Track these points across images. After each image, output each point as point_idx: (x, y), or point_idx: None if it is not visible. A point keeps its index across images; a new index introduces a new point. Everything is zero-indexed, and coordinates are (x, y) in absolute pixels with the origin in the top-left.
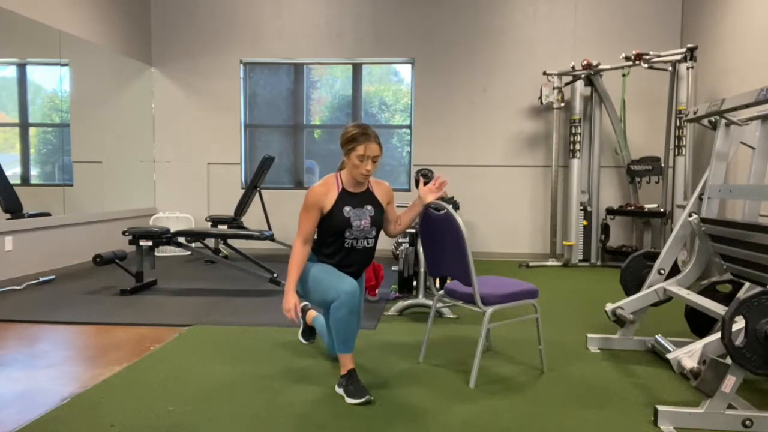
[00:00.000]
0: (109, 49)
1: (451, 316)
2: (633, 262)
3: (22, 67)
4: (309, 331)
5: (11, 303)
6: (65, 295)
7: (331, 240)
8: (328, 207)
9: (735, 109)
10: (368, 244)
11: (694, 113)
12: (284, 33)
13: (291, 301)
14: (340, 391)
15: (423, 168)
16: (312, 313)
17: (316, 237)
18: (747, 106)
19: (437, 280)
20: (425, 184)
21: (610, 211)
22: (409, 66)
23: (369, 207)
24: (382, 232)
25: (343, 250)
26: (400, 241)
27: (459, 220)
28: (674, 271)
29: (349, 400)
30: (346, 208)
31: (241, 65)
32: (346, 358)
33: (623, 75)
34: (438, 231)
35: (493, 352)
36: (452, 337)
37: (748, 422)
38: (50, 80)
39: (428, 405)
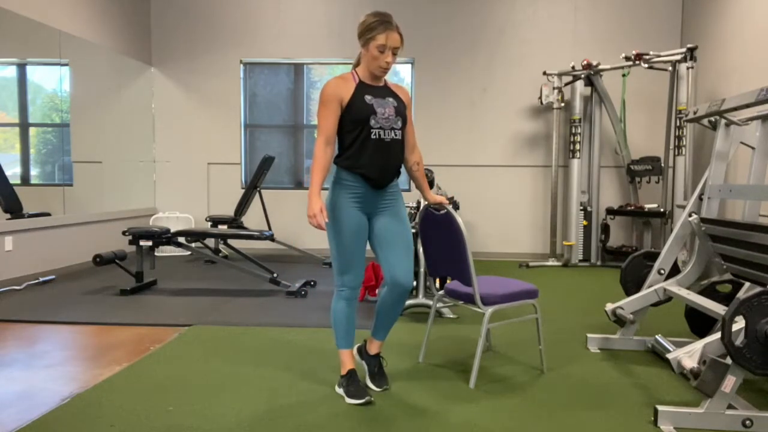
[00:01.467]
0: (109, 49)
1: (451, 316)
2: (633, 262)
3: (22, 67)
4: (376, 366)
5: (11, 303)
6: (65, 295)
7: (356, 135)
8: (347, 97)
9: (735, 109)
10: (396, 135)
11: (694, 113)
12: (284, 33)
13: (317, 205)
14: (340, 391)
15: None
16: (369, 342)
17: (339, 140)
18: (747, 106)
19: (437, 280)
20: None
21: (610, 211)
22: (409, 66)
23: (390, 99)
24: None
25: (371, 144)
26: None
27: (459, 220)
28: (674, 271)
29: (349, 401)
30: (367, 97)
31: (241, 65)
32: (346, 358)
33: (623, 75)
34: (438, 231)
35: (493, 352)
36: (452, 337)
37: (748, 422)
38: (50, 80)
39: (428, 405)
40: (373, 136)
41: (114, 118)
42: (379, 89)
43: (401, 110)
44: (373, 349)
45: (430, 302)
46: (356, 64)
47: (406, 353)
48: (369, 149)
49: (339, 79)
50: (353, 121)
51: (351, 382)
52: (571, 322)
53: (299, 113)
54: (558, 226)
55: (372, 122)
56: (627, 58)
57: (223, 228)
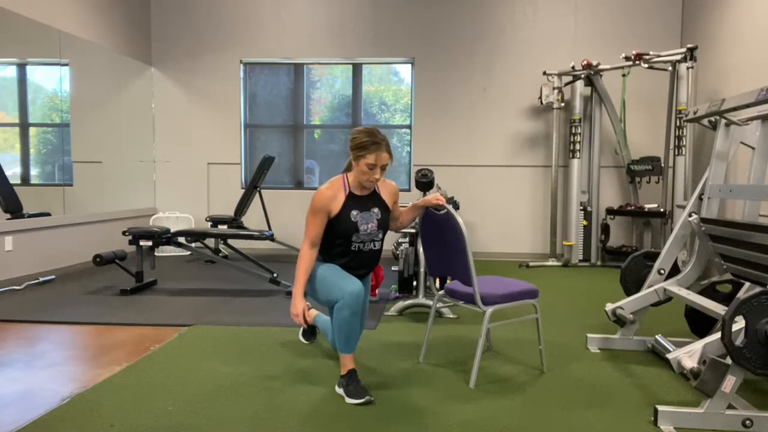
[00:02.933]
0: (109, 49)
1: (451, 316)
2: (633, 262)
3: (22, 67)
4: (310, 331)
5: (11, 303)
6: (65, 295)
7: (339, 243)
8: (336, 211)
9: (735, 109)
10: (375, 246)
11: (694, 113)
12: (284, 33)
13: (299, 305)
14: (340, 391)
15: (423, 168)
16: (312, 312)
17: (322, 240)
18: (747, 106)
19: (437, 280)
20: (426, 186)
21: (610, 211)
22: (409, 66)
23: (376, 210)
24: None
25: (351, 253)
26: (399, 241)
27: (459, 220)
28: (674, 271)
29: (349, 401)
30: (354, 212)
31: (241, 65)
32: (346, 359)
33: (623, 75)
34: (438, 231)
35: (493, 352)
36: (452, 337)
37: (748, 422)
38: (50, 80)
39: (428, 405)
40: (353, 248)
41: (114, 118)
42: (366, 199)
43: (383, 222)
44: (309, 318)
45: (430, 302)
46: (348, 168)
47: (406, 353)
48: (350, 255)
49: (330, 191)
50: (336, 233)
51: (351, 381)
52: (571, 322)
53: (299, 113)
54: (558, 226)
55: (354, 238)
56: (627, 58)
57: (223, 228)
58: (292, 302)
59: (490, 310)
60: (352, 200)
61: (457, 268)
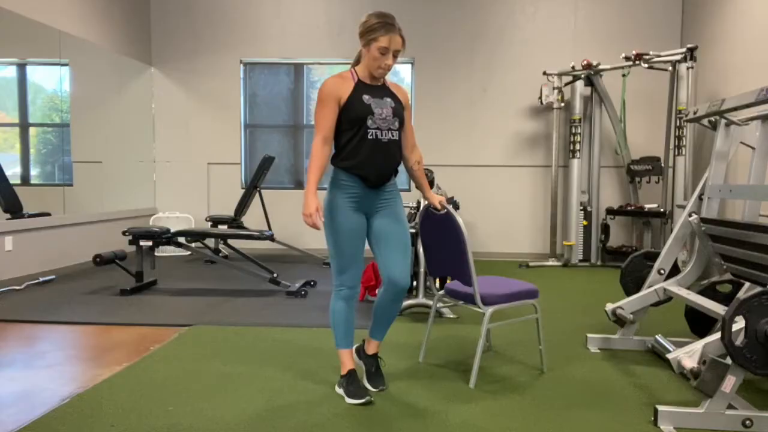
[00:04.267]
0: (109, 49)
1: (451, 316)
2: (633, 262)
3: (22, 67)
4: (374, 366)
5: (11, 303)
6: (65, 295)
7: (353, 135)
8: (345, 97)
9: (735, 109)
10: (393, 136)
11: (694, 113)
12: (284, 33)
13: (313, 204)
14: (340, 391)
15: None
16: (367, 342)
17: (336, 138)
18: (747, 106)
19: (437, 280)
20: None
21: (610, 211)
22: (409, 66)
23: (388, 99)
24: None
25: (368, 144)
26: None
27: (459, 220)
28: (674, 271)
29: (349, 401)
30: (365, 97)
31: (241, 65)
32: (345, 356)
33: (623, 75)
34: (438, 231)
35: (493, 352)
36: (452, 337)
37: (748, 422)
38: (50, 80)
39: (428, 405)
40: (369, 137)
41: (114, 118)
42: (377, 89)
43: (399, 111)
44: (370, 349)
45: (430, 302)
46: (355, 63)
47: (406, 353)
48: (366, 149)
49: (337, 78)
50: (350, 120)
51: (351, 381)
52: (571, 322)
53: (299, 113)
54: (558, 226)
55: (369, 122)
56: (627, 58)
57: (223, 228)
58: (305, 202)
59: (490, 310)
60: (363, 86)
61: (457, 268)
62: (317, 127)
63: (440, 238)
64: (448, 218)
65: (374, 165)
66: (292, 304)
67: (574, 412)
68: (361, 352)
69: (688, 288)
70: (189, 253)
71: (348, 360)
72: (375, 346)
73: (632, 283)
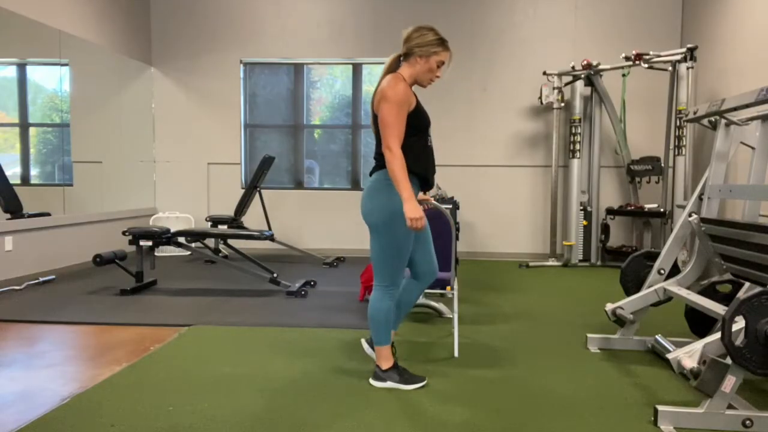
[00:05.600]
0: (109, 49)
1: (451, 315)
2: (633, 262)
3: (22, 67)
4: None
5: (11, 303)
6: (65, 295)
7: (416, 140)
8: (414, 103)
9: (735, 109)
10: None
11: (694, 113)
12: (284, 33)
13: (419, 208)
14: (388, 384)
15: None
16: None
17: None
18: (747, 106)
19: None
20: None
21: (610, 211)
22: None
23: None
24: None
25: (427, 151)
26: None
27: (446, 211)
28: (674, 271)
29: (409, 387)
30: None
31: (241, 65)
32: (389, 352)
33: (623, 75)
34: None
35: (493, 353)
36: (452, 336)
37: (748, 422)
38: (50, 80)
39: (428, 405)
40: (429, 143)
41: (114, 118)
42: None
43: None
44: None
45: (430, 302)
46: (396, 66)
47: (406, 353)
48: (427, 154)
49: (405, 83)
50: (418, 126)
51: (402, 371)
52: (571, 322)
53: (299, 113)
54: (558, 226)
55: (429, 131)
56: (627, 58)
57: (223, 228)
58: (411, 207)
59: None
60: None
61: (443, 257)
62: (395, 132)
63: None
64: (436, 212)
65: (432, 168)
66: (292, 304)
67: (574, 411)
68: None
69: (688, 288)
70: (189, 253)
71: (390, 354)
72: (392, 335)
73: (632, 283)
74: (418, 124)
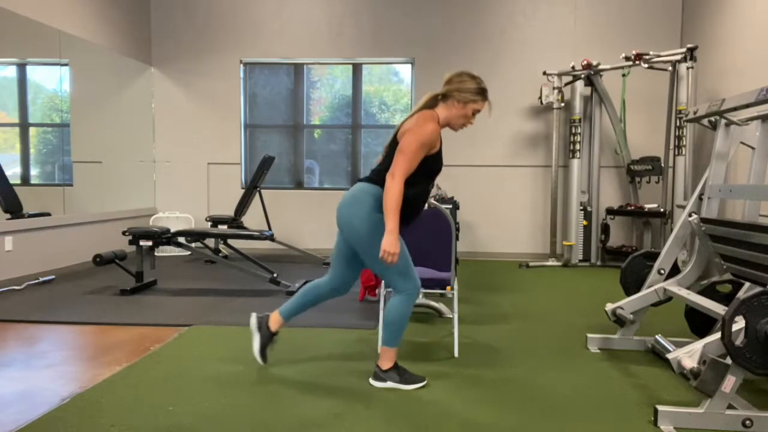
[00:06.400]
0: (109, 49)
1: (451, 315)
2: (633, 262)
3: (22, 67)
4: (269, 343)
5: (11, 303)
6: (65, 295)
7: (420, 181)
8: (436, 148)
9: (735, 109)
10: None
11: (694, 113)
12: (284, 33)
13: (398, 244)
14: (388, 384)
15: None
16: (274, 316)
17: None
18: (747, 106)
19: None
20: None
21: (610, 211)
22: (409, 66)
23: None
24: None
25: (423, 196)
26: None
27: (446, 211)
28: (674, 271)
29: (409, 387)
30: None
31: (241, 65)
32: (393, 353)
33: (623, 75)
34: (424, 226)
35: (493, 353)
36: (452, 336)
37: (748, 422)
38: (50, 80)
39: (428, 404)
40: (430, 187)
41: (114, 118)
42: None
43: None
44: (275, 325)
45: (430, 302)
46: (432, 105)
47: (406, 353)
48: (422, 196)
49: (437, 126)
50: (428, 171)
51: (402, 371)
52: (572, 322)
53: (299, 113)
54: (558, 226)
55: (437, 176)
56: (627, 58)
57: (223, 228)
58: (392, 241)
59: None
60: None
61: (442, 257)
62: (407, 166)
63: (427, 232)
64: (436, 212)
65: (418, 214)
66: None
67: (574, 411)
68: (264, 325)
69: (688, 288)
70: (189, 253)
71: (394, 355)
72: (281, 324)
73: (632, 283)
74: (430, 168)
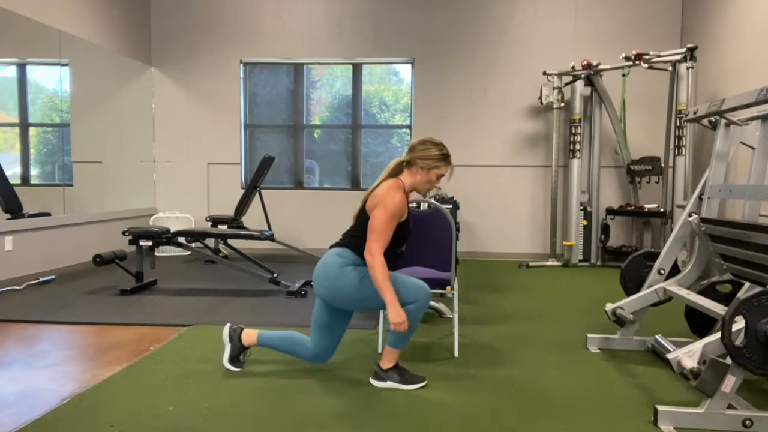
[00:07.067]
0: (109, 49)
1: (451, 315)
2: (633, 262)
3: (22, 67)
4: (241, 355)
5: (11, 303)
6: (65, 295)
7: (391, 246)
8: (404, 216)
9: (735, 109)
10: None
11: (694, 113)
12: (284, 33)
13: (403, 313)
14: (388, 384)
15: None
16: (251, 333)
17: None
18: (747, 106)
19: None
20: None
21: (610, 211)
22: (409, 66)
23: None
24: None
25: (393, 259)
26: None
27: (445, 211)
28: (674, 271)
29: (410, 387)
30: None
31: (241, 65)
32: (397, 354)
33: (623, 75)
34: (422, 228)
35: (493, 353)
36: (452, 336)
37: (748, 422)
38: (50, 80)
39: (428, 404)
40: (398, 252)
41: (114, 118)
42: None
43: None
44: (248, 341)
45: (432, 302)
46: (398, 171)
47: (406, 353)
48: (391, 261)
49: (404, 195)
50: (398, 238)
51: (402, 371)
52: (571, 322)
53: (299, 113)
54: (558, 226)
55: (405, 245)
56: (627, 58)
57: (223, 228)
58: (395, 312)
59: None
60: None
61: (442, 257)
62: (382, 240)
63: (427, 231)
64: (436, 212)
65: (394, 266)
66: (292, 304)
67: (574, 411)
68: (236, 338)
69: (688, 288)
70: (189, 253)
71: (397, 356)
72: (255, 341)
73: (632, 283)
74: (400, 235)
